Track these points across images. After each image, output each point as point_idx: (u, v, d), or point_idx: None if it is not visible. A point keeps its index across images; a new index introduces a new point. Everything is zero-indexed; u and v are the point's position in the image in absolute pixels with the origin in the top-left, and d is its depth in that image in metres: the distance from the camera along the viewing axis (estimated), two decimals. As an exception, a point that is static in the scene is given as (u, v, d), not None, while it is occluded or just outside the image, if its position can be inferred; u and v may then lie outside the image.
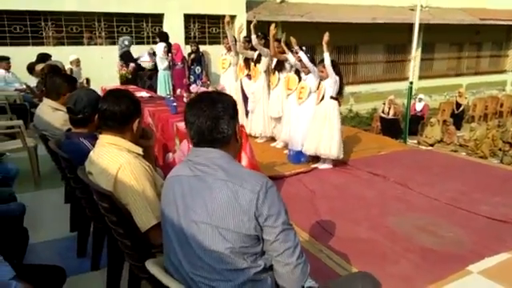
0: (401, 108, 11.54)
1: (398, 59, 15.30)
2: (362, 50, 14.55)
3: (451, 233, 3.19)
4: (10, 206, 2.63)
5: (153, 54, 8.50)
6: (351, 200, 3.93)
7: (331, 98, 4.58)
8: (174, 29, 9.65)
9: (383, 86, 14.49)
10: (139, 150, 1.91)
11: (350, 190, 4.19)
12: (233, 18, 9.72)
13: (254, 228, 1.30)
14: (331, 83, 4.54)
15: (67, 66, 7.00)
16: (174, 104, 4.25)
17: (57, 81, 3.29)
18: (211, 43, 10.46)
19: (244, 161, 3.42)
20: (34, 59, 6.82)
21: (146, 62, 8.51)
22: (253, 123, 5.93)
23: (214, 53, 9.11)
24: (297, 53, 4.88)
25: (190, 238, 1.34)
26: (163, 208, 1.47)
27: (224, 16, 6.21)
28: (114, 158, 1.79)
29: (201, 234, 1.32)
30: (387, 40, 14.63)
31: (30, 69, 6.75)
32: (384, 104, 11.28)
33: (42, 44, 8.71)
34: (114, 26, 9.52)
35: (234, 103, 1.47)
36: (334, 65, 4.56)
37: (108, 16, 9.37)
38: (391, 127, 10.66)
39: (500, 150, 9.73)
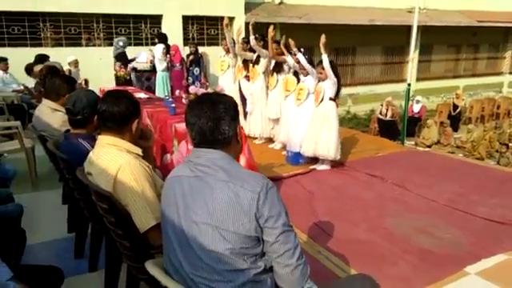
0: (398, 109, 11.58)
1: (395, 61, 15.34)
2: (359, 52, 14.58)
3: (449, 234, 3.20)
4: (8, 207, 2.62)
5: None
6: (349, 201, 3.94)
7: (330, 99, 4.60)
8: (173, 30, 9.65)
9: (381, 87, 14.53)
10: (139, 151, 1.91)
11: (348, 192, 4.20)
12: (231, 19, 9.72)
13: (254, 229, 1.30)
14: (330, 84, 4.55)
15: (65, 67, 7.00)
16: (173, 105, 4.25)
17: (56, 82, 3.30)
18: (209, 44, 10.46)
19: (242, 162, 3.43)
20: (31, 60, 6.81)
21: (142, 63, 8.47)
22: (251, 124, 5.94)
23: (213, 54, 9.11)
24: (295, 55, 4.89)
25: (190, 238, 1.34)
26: (163, 209, 1.47)
27: (222, 17, 6.23)
28: (113, 159, 1.79)
29: (201, 234, 1.32)
30: (385, 42, 14.67)
31: (28, 70, 6.74)
32: (382, 105, 11.31)
33: (40, 45, 8.70)
34: (113, 27, 9.51)
35: (235, 104, 1.48)
36: (333, 66, 4.57)
37: (106, 17, 9.35)
38: (389, 129, 10.69)
39: (497, 151, 9.78)
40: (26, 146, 4.19)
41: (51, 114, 3.16)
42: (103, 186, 1.76)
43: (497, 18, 15.84)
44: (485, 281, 2.55)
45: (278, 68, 5.52)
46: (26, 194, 3.85)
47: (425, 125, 10.88)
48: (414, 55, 11.19)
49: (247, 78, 6.01)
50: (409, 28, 11.14)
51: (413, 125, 11.03)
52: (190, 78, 8.74)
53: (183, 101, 4.43)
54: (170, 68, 8.36)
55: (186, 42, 9.92)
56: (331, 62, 4.54)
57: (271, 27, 5.34)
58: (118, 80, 8.07)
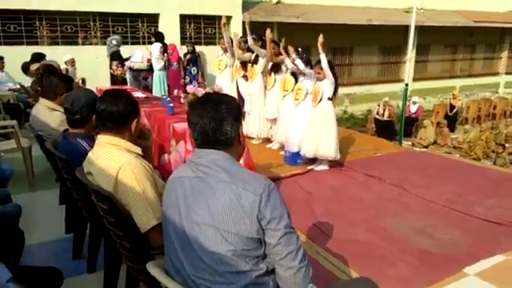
0: (395, 110, 11.60)
1: (392, 61, 15.38)
2: (357, 52, 14.60)
3: (448, 235, 3.20)
4: (7, 208, 2.61)
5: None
6: (347, 202, 3.93)
7: (328, 99, 4.59)
8: (170, 29, 9.61)
9: (378, 87, 14.56)
10: (139, 150, 1.90)
11: (347, 192, 4.20)
12: (229, 18, 9.71)
13: (256, 231, 1.29)
14: (328, 84, 4.54)
15: (62, 66, 6.95)
16: (171, 105, 4.22)
17: (53, 81, 3.27)
18: (207, 44, 10.44)
19: (240, 162, 3.41)
20: (28, 59, 6.75)
21: (137, 62, 8.42)
22: (249, 124, 5.92)
23: (210, 53, 9.09)
24: (294, 61, 4.89)
25: (191, 239, 1.33)
26: (165, 209, 1.46)
27: (220, 17, 6.22)
28: (114, 158, 1.78)
29: (203, 235, 1.31)
30: (382, 42, 14.70)
31: (25, 68, 6.69)
32: (379, 106, 11.32)
33: (36, 43, 8.64)
34: (109, 26, 9.46)
35: (238, 105, 1.47)
36: (331, 65, 4.56)
37: (103, 16, 9.30)
38: (386, 129, 10.71)
39: (493, 151, 9.83)
40: (22, 146, 4.16)
41: (48, 114, 3.14)
42: (104, 186, 1.74)
43: (493, 18, 15.92)
44: (483, 282, 2.55)
45: (276, 68, 5.51)
46: (22, 194, 3.82)
47: (421, 125, 10.91)
48: (411, 55, 11.21)
49: (245, 77, 5.99)
50: (406, 28, 11.19)
51: (410, 125, 11.05)
52: (187, 77, 8.72)
53: (181, 100, 4.41)
54: (167, 67, 8.33)
55: (183, 41, 9.89)
56: (329, 62, 4.53)
57: (268, 30, 5.33)
58: (114, 79, 8.02)
